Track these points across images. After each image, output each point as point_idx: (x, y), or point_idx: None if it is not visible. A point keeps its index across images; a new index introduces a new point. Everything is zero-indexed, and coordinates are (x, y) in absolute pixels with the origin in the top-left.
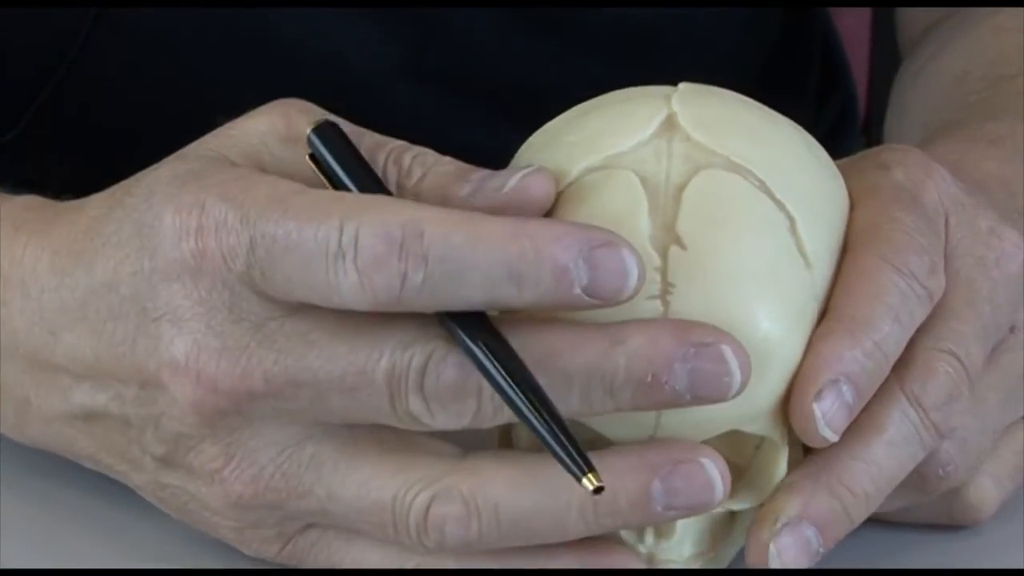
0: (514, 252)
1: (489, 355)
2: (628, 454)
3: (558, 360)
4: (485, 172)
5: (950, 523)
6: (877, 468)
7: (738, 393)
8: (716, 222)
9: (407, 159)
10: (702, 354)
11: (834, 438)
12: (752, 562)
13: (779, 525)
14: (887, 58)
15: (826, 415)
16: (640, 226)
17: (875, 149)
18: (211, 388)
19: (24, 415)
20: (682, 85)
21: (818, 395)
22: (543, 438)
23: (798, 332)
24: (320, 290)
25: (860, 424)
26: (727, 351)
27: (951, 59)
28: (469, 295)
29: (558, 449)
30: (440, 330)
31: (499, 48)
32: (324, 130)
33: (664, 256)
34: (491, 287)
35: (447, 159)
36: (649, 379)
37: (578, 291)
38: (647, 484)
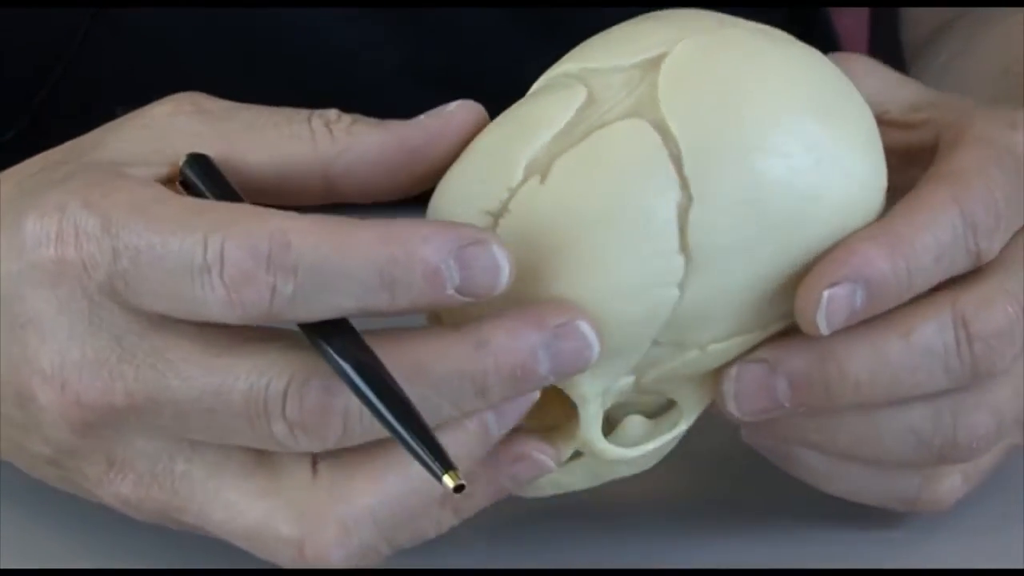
0: (384, 257)
1: (359, 374)
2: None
3: (427, 371)
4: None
5: (908, 509)
6: (885, 366)
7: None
8: (592, 167)
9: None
10: (561, 335)
11: (825, 332)
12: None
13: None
14: (886, 58)
15: (830, 306)
16: (535, 144)
17: (1016, 110)
18: (75, 401)
19: None
20: (714, 22)
21: (832, 285)
22: (412, 450)
23: (620, 313)
24: (186, 304)
25: (889, 319)
26: (582, 325)
27: (985, 55)
28: (342, 304)
29: (426, 459)
30: (299, 351)
31: (499, 48)
32: (195, 161)
33: (522, 181)
34: (364, 294)
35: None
36: (518, 373)
37: (451, 291)
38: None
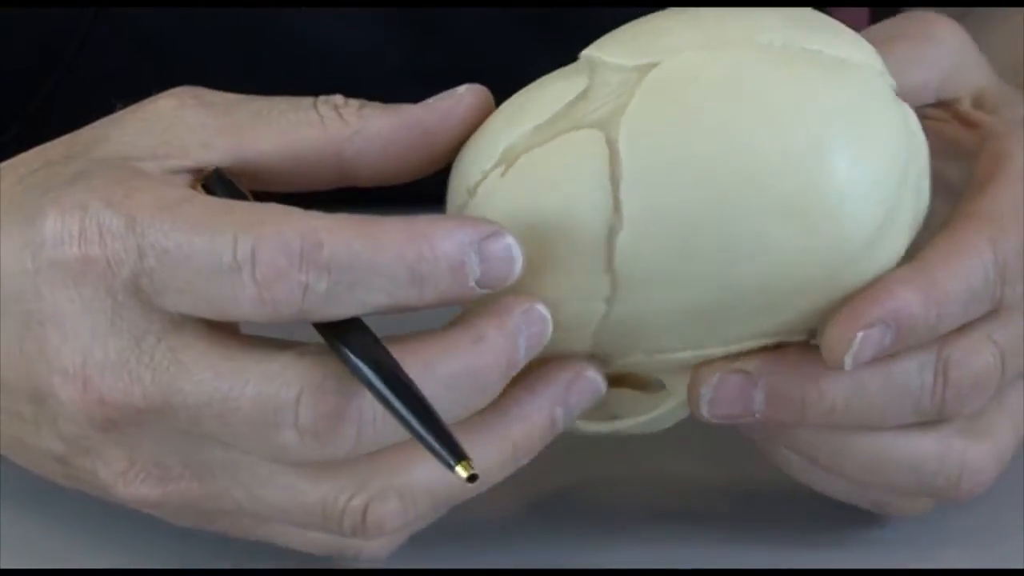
0: (413, 254)
1: (375, 371)
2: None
3: (435, 369)
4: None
5: (874, 509)
6: (861, 395)
7: None
8: (542, 172)
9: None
10: (531, 319)
11: (849, 367)
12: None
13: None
14: None
15: (861, 345)
16: (516, 132)
17: None
18: (98, 399)
19: None
20: (738, 31)
21: (868, 326)
22: (424, 442)
23: (552, 314)
24: (214, 303)
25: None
26: (541, 308)
27: (989, 54)
28: (372, 300)
29: (440, 451)
30: (310, 359)
31: (499, 48)
32: (218, 176)
33: (492, 168)
34: (394, 290)
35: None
36: (510, 363)
37: (472, 284)
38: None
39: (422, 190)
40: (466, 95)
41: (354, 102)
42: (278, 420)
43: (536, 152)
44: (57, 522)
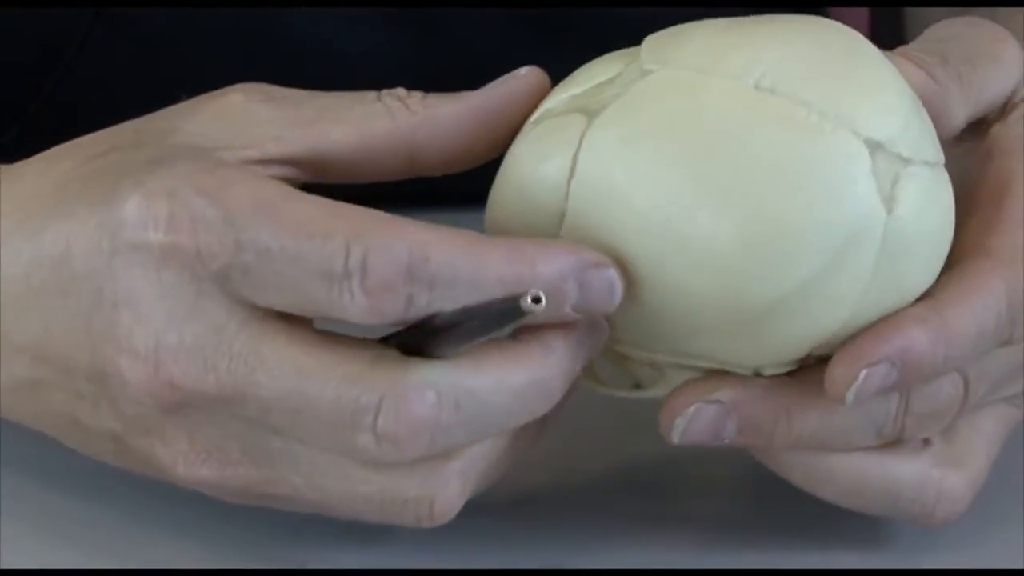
0: (512, 276)
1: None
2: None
3: (508, 381)
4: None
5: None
6: (828, 425)
7: None
8: (526, 146)
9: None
10: (595, 329)
11: (850, 403)
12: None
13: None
14: None
15: (864, 382)
16: (554, 100)
17: None
18: (168, 382)
19: None
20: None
21: (873, 364)
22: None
23: None
24: (319, 306)
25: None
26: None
27: None
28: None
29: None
30: (391, 364)
31: (499, 48)
32: None
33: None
34: None
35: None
36: (572, 372)
37: (568, 309)
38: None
39: (435, 190)
40: (528, 75)
41: (416, 93)
42: (356, 423)
43: (542, 125)
44: (57, 522)
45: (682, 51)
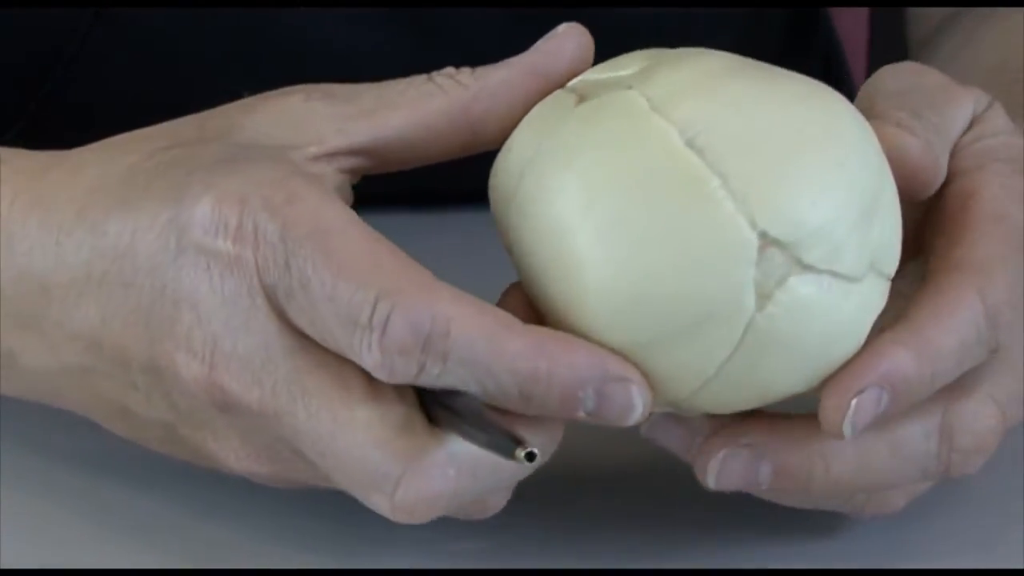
0: (528, 372)
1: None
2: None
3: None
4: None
5: (851, 512)
6: (868, 467)
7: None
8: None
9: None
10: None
11: (849, 435)
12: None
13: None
14: (885, 59)
15: (856, 412)
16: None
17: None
18: (219, 385)
19: (8, 367)
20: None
21: (860, 392)
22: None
23: None
24: (339, 343)
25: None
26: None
27: (984, 49)
28: (477, 391)
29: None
30: (422, 437)
31: (499, 48)
32: None
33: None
34: (500, 395)
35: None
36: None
37: (581, 414)
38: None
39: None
40: (569, 31)
41: (465, 68)
42: (377, 485)
43: (555, 95)
44: (57, 522)
45: (667, 77)
